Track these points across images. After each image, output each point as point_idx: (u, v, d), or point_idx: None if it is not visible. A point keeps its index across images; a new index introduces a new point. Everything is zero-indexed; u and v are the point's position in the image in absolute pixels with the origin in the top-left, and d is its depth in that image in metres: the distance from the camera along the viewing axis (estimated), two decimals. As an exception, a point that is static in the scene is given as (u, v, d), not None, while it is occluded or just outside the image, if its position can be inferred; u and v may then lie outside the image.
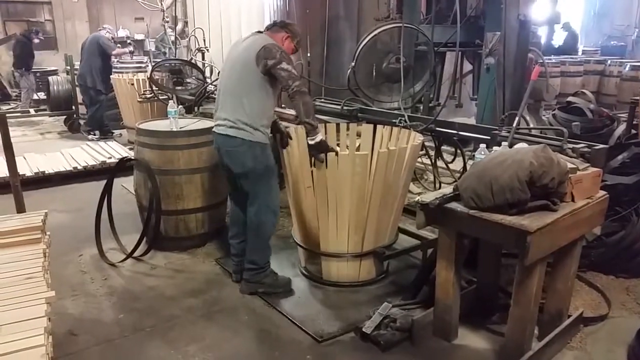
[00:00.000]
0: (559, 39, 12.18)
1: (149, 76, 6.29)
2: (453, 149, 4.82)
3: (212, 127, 3.24)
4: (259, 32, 3.26)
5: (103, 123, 8.05)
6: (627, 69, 9.64)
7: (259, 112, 3.09)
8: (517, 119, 3.17)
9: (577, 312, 2.89)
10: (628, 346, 2.73)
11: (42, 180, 5.60)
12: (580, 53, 12.39)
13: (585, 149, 2.87)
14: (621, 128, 4.91)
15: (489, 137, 3.39)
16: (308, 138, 3.06)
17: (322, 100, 4.90)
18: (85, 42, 7.96)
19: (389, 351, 2.76)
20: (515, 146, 2.76)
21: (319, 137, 3.05)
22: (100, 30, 8.11)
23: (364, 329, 2.82)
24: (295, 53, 3.38)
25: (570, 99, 5.39)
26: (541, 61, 4.14)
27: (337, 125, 3.82)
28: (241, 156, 3.10)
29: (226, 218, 4.07)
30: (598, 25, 15.45)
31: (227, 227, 3.67)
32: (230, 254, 3.52)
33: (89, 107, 7.96)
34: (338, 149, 3.38)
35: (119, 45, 8.20)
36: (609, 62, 10.37)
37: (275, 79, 3.05)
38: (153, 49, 11.99)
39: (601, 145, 2.91)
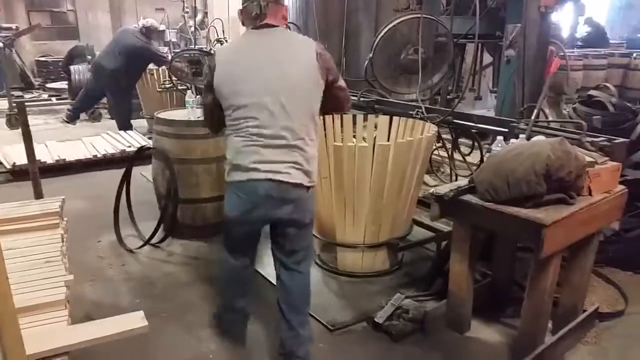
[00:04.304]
0: (583, 34, 11.91)
1: (168, 66, 6.34)
2: (471, 142, 4.78)
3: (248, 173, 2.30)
4: (267, 24, 2.33)
5: None
6: (653, 62, 9.41)
7: (316, 147, 2.39)
8: (535, 111, 3.14)
9: (593, 307, 2.86)
10: (644, 343, 2.70)
11: (63, 168, 5.69)
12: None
13: (605, 143, 2.82)
14: (644, 122, 4.81)
15: (507, 130, 3.36)
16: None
17: (340, 91, 4.89)
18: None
19: (401, 341, 2.77)
20: (533, 139, 2.73)
21: None
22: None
23: (376, 319, 2.84)
24: None
25: (591, 92, 5.29)
26: (562, 54, 4.08)
27: (354, 116, 3.81)
28: (309, 202, 2.39)
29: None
30: (624, 18, 15.11)
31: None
32: (233, 322, 2.76)
33: None
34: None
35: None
36: (634, 55, 10.13)
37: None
38: (174, 40, 12.09)
39: (621, 139, 2.86)
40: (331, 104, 2.45)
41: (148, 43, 7.19)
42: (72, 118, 7.99)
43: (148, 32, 7.22)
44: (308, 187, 2.33)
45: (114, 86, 7.23)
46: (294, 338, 2.46)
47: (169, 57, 7.32)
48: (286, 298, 2.48)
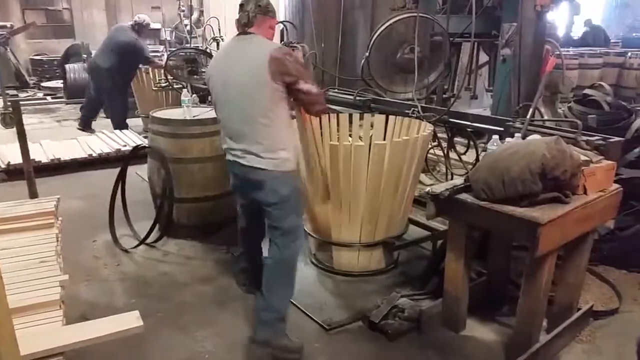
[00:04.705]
0: (579, 34, 12.08)
1: (164, 65, 6.32)
2: (467, 141, 4.78)
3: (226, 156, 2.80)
4: (245, 32, 2.68)
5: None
6: (647, 61, 9.46)
7: (287, 131, 2.67)
8: (531, 110, 3.14)
9: (587, 306, 2.87)
10: (638, 340, 2.70)
11: (58, 167, 5.67)
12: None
13: (600, 142, 2.83)
14: (639, 121, 4.83)
15: (502, 129, 3.36)
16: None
17: (336, 90, 4.89)
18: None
19: (397, 340, 2.78)
20: (529, 138, 2.74)
21: None
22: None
23: (371, 318, 2.84)
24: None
25: (586, 91, 5.30)
26: (557, 53, 4.09)
27: (350, 115, 3.81)
28: (275, 184, 2.64)
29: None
30: (620, 17, 15.16)
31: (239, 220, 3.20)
32: (241, 267, 3.29)
33: None
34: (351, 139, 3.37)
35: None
36: (629, 54, 10.15)
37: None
38: (169, 38, 12.05)
39: (616, 138, 2.86)
40: (299, 103, 2.75)
41: (137, 39, 7.10)
42: (84, 125, 7.82)
43: (139, 27, 7.15)
44: (271, 171, 2.61)
45: (110, 85, 7.19)
46: (262, 303, 2.73)
47: (159, 58, 7.29)
48: (265, 268, 2.81)
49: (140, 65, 7.45)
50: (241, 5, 2.68)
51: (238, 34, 2.71)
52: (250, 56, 2.58)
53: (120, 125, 7.25)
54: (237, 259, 3.41)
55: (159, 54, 9.48)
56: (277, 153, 2.61)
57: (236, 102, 2.62)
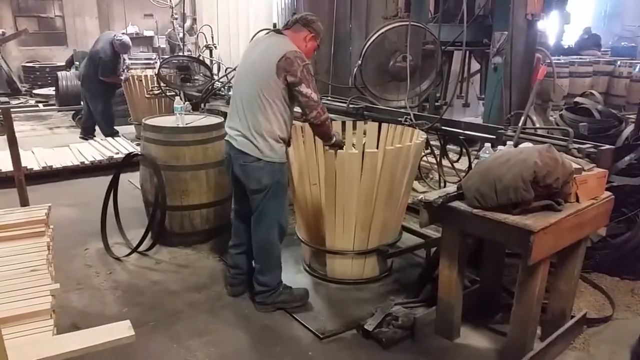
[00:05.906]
0: (578, 40, 12.46)
1: (156, 72, 6.31)
2: (459, 148, 4.80)
3: (225, 135, 3.05)
4: (279, 31, 2.99)
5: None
6: (637, 70, 9.59)
7: (279, 125, 2.86)
8: (522, 118, 3.16)
9: (581, 313, 2.87)
10: (631, 348, 2.71)
11: (50, 175, 5.64)
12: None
13: (591, 150, 2.85)
14: (629, 129, 4.87)
15: (494, 137, 3.38)
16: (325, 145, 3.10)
17: (329, 98, 4.90)
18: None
19: (391, 349, 2.76)
20: (520, 146, 2.75)
21: (333, 139, 3.02)
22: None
23: (365, 326, 2.83)
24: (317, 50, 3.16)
25: (577, 99, 5.36)
26: (548, 61, 4.13)
27: (343, 123, 3.82)
28: (258, 172, 2.89)
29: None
30: (608, 26, 15.35)
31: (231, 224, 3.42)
32: (228, 264, 3.38)
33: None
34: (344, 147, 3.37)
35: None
36: (618, 62, 10.29)
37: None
38: (162, 46, 12.05)
39: (607, 146, 2.88)
40: (299, 106, 2.89)
41: (104, 52, 7.07)
42: (85, 134, 7.71)
43: (114, 43, 7.14)
44: (257, 159, 2.85)
45: (89, 92, 7.27)
46: (254, 276, 3.15)
47: (122, 76, 7.29)
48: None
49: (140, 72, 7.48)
50: (293, 13, 3.05)
51: (275, 30, 3.04)
52: (270, 50, 2.84)
53: (107, 132, 7.24)
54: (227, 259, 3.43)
55: (151, 61, 9.48)
56: (265, 142, 2.84)
57: (243, 83, 2.92)
